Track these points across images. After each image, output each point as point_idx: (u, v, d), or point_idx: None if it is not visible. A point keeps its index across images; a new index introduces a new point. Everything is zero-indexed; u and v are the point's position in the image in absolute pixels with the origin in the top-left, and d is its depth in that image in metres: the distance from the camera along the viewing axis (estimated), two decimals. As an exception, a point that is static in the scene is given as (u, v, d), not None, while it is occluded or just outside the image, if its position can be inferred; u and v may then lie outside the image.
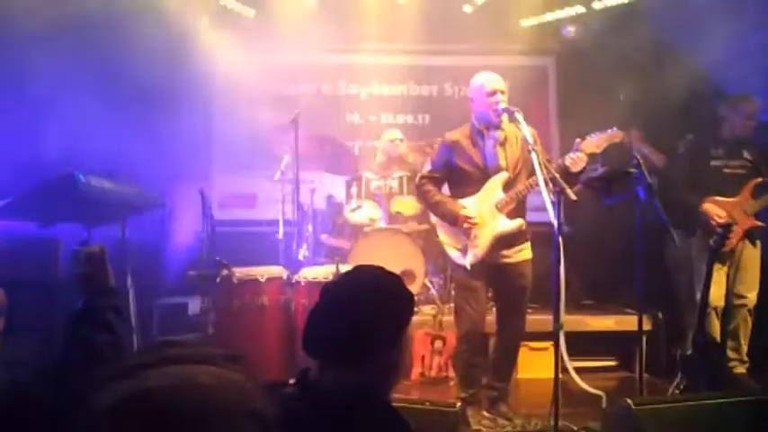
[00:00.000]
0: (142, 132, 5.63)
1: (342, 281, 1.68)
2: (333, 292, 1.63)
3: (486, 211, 3.74)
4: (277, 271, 4.19)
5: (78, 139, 4.87)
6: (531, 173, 3.53)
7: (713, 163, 4.51)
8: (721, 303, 4.39)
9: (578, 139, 3.63)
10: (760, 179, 4.42)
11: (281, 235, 5.49)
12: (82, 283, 2.13)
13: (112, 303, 2.13)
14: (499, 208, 3.72)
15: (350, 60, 7.10)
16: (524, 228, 3.77)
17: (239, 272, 4.05)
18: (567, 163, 3.57)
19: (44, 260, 4.00)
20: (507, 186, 3.74)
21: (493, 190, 3.75)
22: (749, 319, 4.44)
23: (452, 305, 4.43)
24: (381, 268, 1.66)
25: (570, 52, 6.87)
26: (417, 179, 4.06)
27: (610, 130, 3.58)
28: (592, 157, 3.64)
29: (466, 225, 3.72)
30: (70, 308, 2.15)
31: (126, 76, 5.49)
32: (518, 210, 3.75)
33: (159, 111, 5.70)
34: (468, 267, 3.74)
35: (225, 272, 4.01)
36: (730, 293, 4.46)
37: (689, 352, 3.65)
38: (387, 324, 1.54)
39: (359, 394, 1.46)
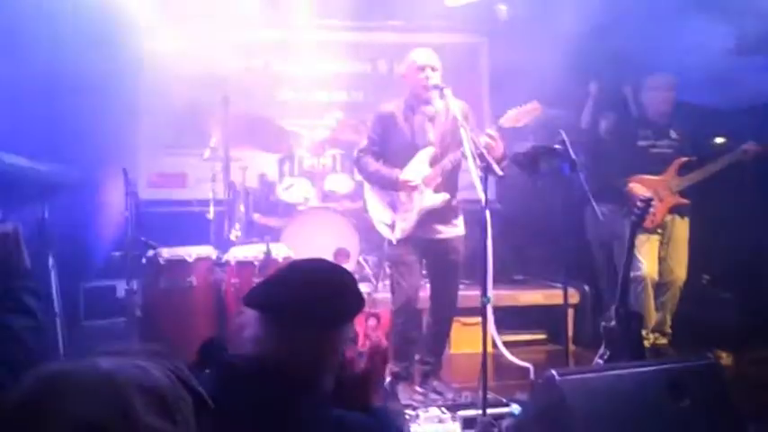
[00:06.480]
0: (66, 110, 5.41)
1: (315, 261, 1.77)
2: (301, 263, 1.76)
3: (413, 186, 3.75)
4: (206, 251, 4.10)
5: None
6: (459, 149, 3.53)
7: (640, 143, 4.64)
8: (656, 277, 4.55)
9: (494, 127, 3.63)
10: (686, 158, 4.57)
11: (211, 215, 5.36)
12: (-6, 266, 2.03)
13: (29, 285, 2.03)
14: (425, 183, 3.73)
15: (281, 37, 6.94)
16: (452, 202, 3.79)
17: (166, 252, 3.95)
18: (483, 145, 3.51)
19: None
20: (434, 161, 3.75)
21: (419, 165, 3.76)
22: (678, 294, 4.62)
23: (386, 283, 4.43)
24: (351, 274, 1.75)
25: (503, 31, 6.90)
26: (355, 152, 4.01)
27: (530, 104, 3.57)
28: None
29: (406, 189, 3.73)
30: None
31: (48, 54, 5.25)
32: (447, 186, 3.77)
33: (83, 88, 5.46)
34: (395, 242, 3.75)
35: (151, 252, 3.90)
36: (663, 269, 4.61)
37: (612, 323, 3.75)
38: (330, 308, 1.56)
39: (269, 367, 1.44)
